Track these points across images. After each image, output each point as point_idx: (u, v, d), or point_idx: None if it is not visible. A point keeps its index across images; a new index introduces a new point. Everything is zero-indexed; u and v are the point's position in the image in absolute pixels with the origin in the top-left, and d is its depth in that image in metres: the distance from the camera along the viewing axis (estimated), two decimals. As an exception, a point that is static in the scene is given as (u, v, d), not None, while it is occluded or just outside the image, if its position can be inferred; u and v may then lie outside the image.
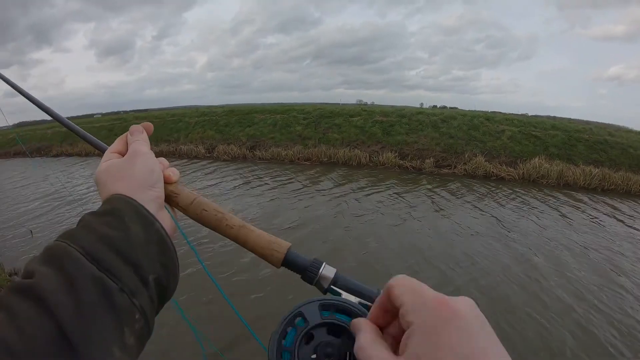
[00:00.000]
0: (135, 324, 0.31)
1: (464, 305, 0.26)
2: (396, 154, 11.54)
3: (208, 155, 13.83)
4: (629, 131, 13.83)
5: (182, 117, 16.93)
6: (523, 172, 10.00)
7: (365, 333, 0.29)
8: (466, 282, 4.30)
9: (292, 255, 0.39)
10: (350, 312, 0.35)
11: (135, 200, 0.37)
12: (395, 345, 0.28)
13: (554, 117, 21.55)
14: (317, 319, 0.34)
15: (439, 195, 8.25)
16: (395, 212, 6.89)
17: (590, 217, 7.03)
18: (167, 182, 0.44)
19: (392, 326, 0.30)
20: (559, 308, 3.83)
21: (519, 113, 20.78)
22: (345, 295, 0.38)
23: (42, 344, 0.25)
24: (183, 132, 15.69)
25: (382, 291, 0.30)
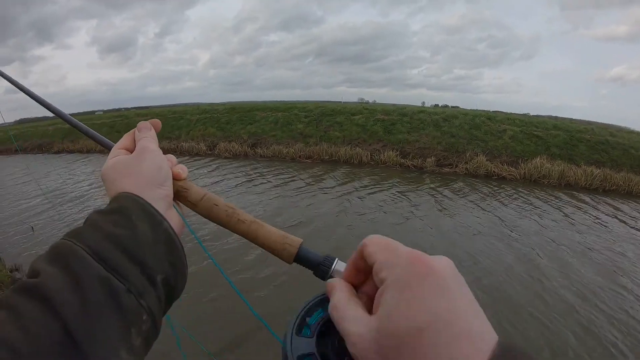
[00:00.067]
0: (142, 325, 0.30)
1: (441, 262, 0.25)
2: (397, 153, 11.54)
3: (209, 152, 13.83)
4: (630, 132, 13.81)
5: (184, 115, 16.92)
6: (524, 172, 9.99)
7: (339, 292, 0.29)
8: (469, 282, 4.25)
9: (304, 251, 0.39)
10: None
11: (142, 199, 0.37)
12: (370, 304, 0.27)
13: (556, 117, 21.51)
14: None
15: (441, 194, 8.25)
16: (397, 211, 6.90)
17: (593, 217, 7.04)
18: (176, 178, 0.44)
19: (366, 285, 0.30)
20: (561, 308, 3.85)
21: (521, 113, 20.78)
22: None
23: (47, 344, 0.24)
24: (184, 129, 15.68)
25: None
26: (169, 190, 0.41)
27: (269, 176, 9.80)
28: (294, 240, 0.40)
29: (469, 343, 0.21)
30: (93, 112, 37.85)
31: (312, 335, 0.30)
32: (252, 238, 0.42)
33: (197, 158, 13.17)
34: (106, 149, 0.47)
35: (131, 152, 0.43)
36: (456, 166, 10.73)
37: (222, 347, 3.08)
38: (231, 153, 13.31)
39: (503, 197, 8.12)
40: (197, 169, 11.25)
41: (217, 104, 20.95)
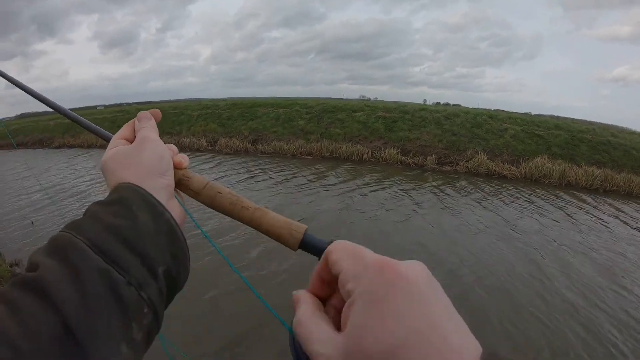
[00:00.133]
0: (143, 319, 0.29)
1: (412, 268, 0.23)
2: (398, 150, 11.54)
3: (210, 148, 13.82)
4: (632, 133, 13.78)
5: (185, 110, 16.87)
6: (525, 171, 10.00)
7: (304, 305, 0.27)
8: (471, 281, 4.32)
9: (309, 237, 0.38)
10: None
11: (143, 189, 0.35)
12: (338, 318, 0.25)
13: (557, 117, 21.48)
14: None
15: (443, 192, 8.26)
16: (399, 209, 6.91)
17: (594, 217, 7.06)
18: (177, 167, 0.43)
19: (334, 297, 0.28)
20: (562, 308, 3.86)
21: (522, 112, 20.72)
22: None
23: (47, 339, 0.24)
24: (185, 124, 15.65)
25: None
26: (170, 180, 0.40)
27: (271, 172, 9.80)
28: (299, 227, 0.39)
29: None
30: (95, 107, 37.76)
31: None
32: (257, 225, 0.41)
33: (197, 154, 13.15)
34: (105, 141, 0.46)
35: (131, 142, 0.42)
36: (457, 164, 10.73)
37: (222, 346, 3.08)
38: (232, 149, 13.29)
39: (504, 196, 8.13)
40: (198, 164, 11.25)
41: (219, 100, 20.88)
